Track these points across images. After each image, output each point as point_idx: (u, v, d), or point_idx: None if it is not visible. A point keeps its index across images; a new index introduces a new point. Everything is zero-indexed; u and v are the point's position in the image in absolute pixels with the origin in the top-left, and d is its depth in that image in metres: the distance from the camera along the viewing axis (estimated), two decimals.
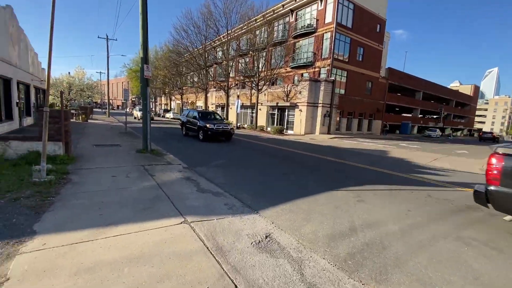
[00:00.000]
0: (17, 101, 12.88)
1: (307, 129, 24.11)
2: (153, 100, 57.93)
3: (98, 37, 58.08)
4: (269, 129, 26.34)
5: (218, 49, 33.43)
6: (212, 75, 34.88)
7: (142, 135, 9.11)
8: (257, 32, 27.89)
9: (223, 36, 28.75)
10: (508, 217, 4.56)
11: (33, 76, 16.18)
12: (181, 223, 3.58)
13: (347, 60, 26.85)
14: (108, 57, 32.02)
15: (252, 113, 29.75)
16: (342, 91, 27.08)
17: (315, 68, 26.39)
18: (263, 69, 25.79)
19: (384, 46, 32.32)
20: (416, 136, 39.40)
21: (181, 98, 46.45)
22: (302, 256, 3.01)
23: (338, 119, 26.85)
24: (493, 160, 3.89)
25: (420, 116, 47.34)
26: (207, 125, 13.49)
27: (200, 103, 41.64)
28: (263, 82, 25.43)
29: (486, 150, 16.41)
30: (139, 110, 30.03)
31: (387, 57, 39.53)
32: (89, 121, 22.93)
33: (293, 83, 27.00)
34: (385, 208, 4.85)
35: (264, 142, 16.11)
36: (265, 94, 27.40)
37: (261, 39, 27.06)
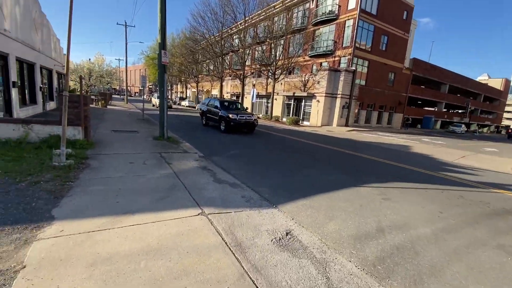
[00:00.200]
0: (41, 85, 13.24)
1: (324, 120, 23.44)
2: (170, 88, 58.48)
3: (117, 24, 58.52)
4: (284, 119, 25.88)
5: (234, 37, 32.83)
6: (228, 63, 34.41)
7: (159, 122, 9.08)
8: (276, 19, 26.99)
9: (240, 23, 28.09)
10: None
11: (55, 61, 16.56)
12: (198, 214, 3.45)
13: (369, 49, 25.54)
14: (126, 44, 32.32)
15: (267, 102, 29.28)
16: (363, 82, 25.94)
17: (335, 57, 25.33)
18: (280, 58, 25.07)
19: (409, 35, 30.42)
20: (438, 131, 37.48)
21: (197, 86, 46.53)
22: (326, 258, 2.79)
23: (356, 111, 25.88)
24: None
25: (444, 110, 44.87)
26: (230, 115, 12.55)
27: (215, 92, 41.55)
28: (280, 71, 24.78)
29: None
30: (157, 98, 30.15)
31: (412, 47, 37.31)
32: (108, 107, 23.45)
33: (311, 72, 26.14)
34: (413, 208, 4.51)
35: (280, 133, 15.79)
36: (281, 84, 26.78)
37: (280, 26, 26.20)
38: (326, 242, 3.14)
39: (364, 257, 2.90)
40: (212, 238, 2.88)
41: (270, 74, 25.48)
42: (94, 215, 3.14)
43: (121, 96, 54.61)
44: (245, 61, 28.67)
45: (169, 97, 55.24)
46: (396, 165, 8.38)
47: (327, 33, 26.32)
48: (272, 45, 25.58)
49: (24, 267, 2.15)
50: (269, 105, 27.01)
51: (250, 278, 2.30)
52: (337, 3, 24.93)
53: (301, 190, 4.98)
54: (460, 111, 49.08)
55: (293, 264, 2.59)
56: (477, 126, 52.38)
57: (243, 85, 28.70)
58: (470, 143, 21.71)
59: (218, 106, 13.79)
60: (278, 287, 2.24)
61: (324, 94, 22.96)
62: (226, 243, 2.82)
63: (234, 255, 2.61)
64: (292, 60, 25.29)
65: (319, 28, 27.05)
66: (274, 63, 24.49)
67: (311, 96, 24.02)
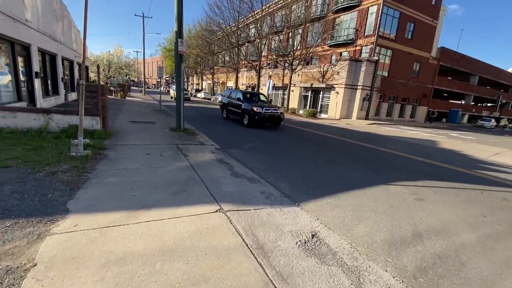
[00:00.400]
0: (62, 76, 13.53)
1: (342, 113, 22.60)
2: (186, 79, 58.89)
3: (135, 15, 59.43)
4: (301, 111, 25.23)
5: (251, 26, 32.16)
6: (244, 54, 33.88)
7: (175, 113, 8.97)
8: (294, 7, 26.04)
9: (257, 12, 27.38)
10: None
11: (76, 52, 16.88)
12: (216, 211, 3.23)
13: (393, 38, 24.07)
14: (144, 35, 32.58)
15: (284, 94, 28.66)
16: (385, 73, 24.63)
17: (356, 46, 24.12)
18: (298, 47, 24.23)
19: (437, 22, 28.34)
20: (465, 126, 35.24)
21: (212, 78, 46.45)
22: (358, 265, 2.49)
23: (377, 103, 24.71)
24: None
25: (472, 103, 42.02)
26: (254, 108, 11.53)
27: (230, 84, 41.29)
28: (297, 61, 24.00)
29: None
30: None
31: (440, 35, 34.83)
32: (126, 98, 23.86)
33: (330, 63, 25.15)
34: (452, 211, 4.06)
35: (297, 125, 15.34)
36: (298, 75, 26.01)
37: (298, 15, 25.25)
38: (356, 247, 2.82)
39: (402, 266, 2.57)
40: (231, 239, 2.64)
41: (287, 64, 24.77)
42: (109, 209, 3.00)
43: (139, 88, 55.70)
44: (262, 52, 28.06)
45: (186, 88, 55.67)
46: (425, 162, 7.79)
47: (348, 21, 25.05)
48: (290, 34, 24.73)
49: (35, 265, 2.02)
50: (285, 96, 26.41)
51: None
52: None
53: (325, 187, 4.65)
54: (489, 104, 45.86)
55: (322, 272, 2.31)
56: (508, 121, 48.82)
57: (259, 76, 28.20)
58: (502, 138, 20.17)
59: (241, 98, 12.77)
60: None
61: (343, 86, 22.04)
62: (247, 244, 2.58)
63: (257, 260, 2.36)
64: (310, 50, 24.37)
65: (339, 16, 25.80)
66: (292, 53, 23.72)
67: (330, 88, 23.16)
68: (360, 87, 21.98)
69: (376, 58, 22.10)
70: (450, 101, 41.99)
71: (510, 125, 48.15)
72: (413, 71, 27.25)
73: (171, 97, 31.48)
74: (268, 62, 32.87)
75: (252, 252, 2.46)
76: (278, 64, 29.92)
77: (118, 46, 32.52)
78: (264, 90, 28.24)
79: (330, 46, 26.50)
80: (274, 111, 12.09)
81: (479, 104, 46.00)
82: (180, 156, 5.60)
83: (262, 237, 2.77)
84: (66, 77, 15.00)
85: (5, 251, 2.14)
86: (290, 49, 23.98)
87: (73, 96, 16.66)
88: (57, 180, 3.61)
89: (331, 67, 23.02)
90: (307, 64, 27.05)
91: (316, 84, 23.98)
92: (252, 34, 32.55)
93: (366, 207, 3.88)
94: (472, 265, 2.70)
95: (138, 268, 2.08)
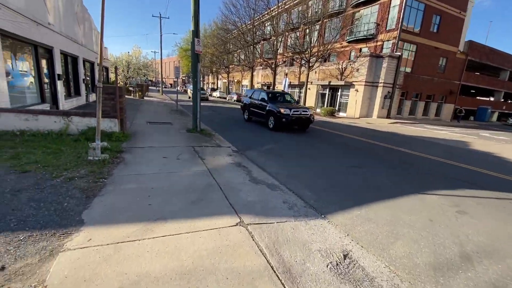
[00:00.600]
0: (84, 77, 13.89)
1: (362, 111, 21.72)
2: (202, 79, 59.40)
3: (152, 16, 60.73)
4: (318, 110, 24.57)
5: (267, 24, 31.75)
6: (259, 52, 33.54)
7: (192, 114, 8.85)
8: (310, 2, 25.31)
9: (273, 9, 26.92)
10: None
11: (96, 54, 17.30)
12: (237, 224, 2.99)
13: (418, 32, 22.77)
14: (161, 36, 33.12)
15: (300, 92, 28.06)
16: (408, 69, 23.40)
17: (376, 42, 23.06)
18: (315, 44, 23.54)
19: (465, 14, 26.50)
20: (495, 124, 32.89)
21: (227, 77, 46.51)
22: None
23: (399, 101, 23.54)
24: None
25: (502, 100, 39.15)
26: (281, 110, 10.47)
27: (245, 82, 41.12)
28: (314, 58, 23.33)
29: None
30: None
31: (468, 28, 32.63)
32: (144, 98, 24.32)
33: (349, 59, 24.24)
34: (502, 227, 3.57)
35: (315, 125, 14.83)
36: (315, 72, 25.32)
37: (315, 10, 24.52)
38: (396, 271, 2.47)
39: None
40: (255, 260, 2.38)
41: (304, 62, 24.15)
42: (125, 220, 2.84)
43: (157, 88, 56.93)
44: (277, 49, 27.60)
45: (203, 88, 56.19)
46: (459, 166, 7.15)
47: (368, 15, 24.00)
48: (307, 31, 24.08)
49: (45, 287, 1.86)
50: (302, 95, 25.81)
51: None
52: None
53: (351, 195, 4.29)
54: None
55: None
56: None
57: (275, 74, 27.78)
58: None
59: (266, 98, 11.81)
60: None
61: (363, 83, 21.15)
62: (272, 267, 2.31)
63: (284, 287, 2.09)
64: (328, 47, 23.60)
65: (359, 10, 24.78)
66: (309, 50, 23.08)
67: (349, 85, 22.33)
68: (381, 84, 21.01)
69: (399, 53, 21.01)
70: (478, 98, 39.41)
71: None
72: (439, 67, 25.73)
73: (189, 97, 31.40)
74: (284, 59, 32.32)
75: (278, 277, 2.19)
76: (294, 62, 29.32)
77: (137, 47, 33.31)
78: (279, 88, 27.79)
79: (349, 42, 25.56)
80: (303, 113, 10.94)
81: (510, 101, 42.82)
82: (197, 160, 5.43)
83: (288, 257, 2.48)
84: (87, 78, 15.41)
85: (16, 270, 2.00)
86: (307, 45, 23.35)
87: (93, 97, 17.11)
88: (73, 186, 3.52)
89: (350, 64, 22.17)
90: (325, 61, 26.28)
91: (334, 82, 23.21)
92: (267, 32, 32.15)
93: (401, 221, 3.49)
94: None
95: None
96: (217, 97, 39.25)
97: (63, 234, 2.49)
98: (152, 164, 4.86)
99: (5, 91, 6.48)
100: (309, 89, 25.82)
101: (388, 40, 22.19)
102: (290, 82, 27.23)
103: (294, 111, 10.63)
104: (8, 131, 5.71)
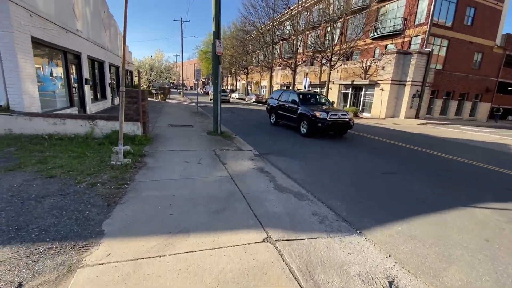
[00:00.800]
0: (109, 81, 14.38)
1: (388, 111, 20.60)
2: (221, 80, 60.11)
3: (174, 20, 62.59)
4: None
5: (286, 23, 31.32)
6: (279, 52, 33.16)
7: (212, 116, 8.75)
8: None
9: (293, 8, 26.45)
10: None
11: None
12: (264, 240, 2.72)
13: (450, 26, 21.21)
14: (182, 39, 33.79)
15: (321, 92, 27.30)
16: (439, 66, 21.86)
17: (404, 37, 21.79)
18: (337, 42, 22.74)
19: (503, 5, 24.28)
20: None
21: (246, 78, 46.56)
22: None
23: (429, 100, 22.07)
24: None
25: None
26: (317, 114, 9.27)
27: (264, 83, 40.90)
28: (336, 57, 22.54)
29: None
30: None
31: (506, 20, 29.88)
32: (166, 100, 24.88)
33: (374, 57, 23.15)
34: None
35: None
36: (337, 71, 24.48)
37: (337, 7, 23.71)
38: None
39: None
40: (287, 286, 2.10)
41: (325, 61, 23.42)
42: (145, 232, 2.68)
43: (178, 90, 58.41)
44: (297, 49, 27.07)
45: (225, 89, 56.66)
46: (506, 173, 6.37)
47: (394, 10, 22.78)
48: (328, 29, 23.34)
49: None
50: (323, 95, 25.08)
51: None
52: None
53: (388, 207, 3.86)
54: None
55: None
56: None
57: (294, 74, 27.27)
58: None
59: (297, 100, 10.55)
60: None
61: (389, 82, 20.06)
62: None
63: None
64: (351, 44, 22.70)
65: (384, 5, 23.61)
66: (330, 49, 22.35)
67: (374, 84, 21.30)
68: (409, 82, 19.80)
69: (429, 49, 19.67)
70: None
71: None
72: (474, 63, 23.81)
73: (210, 99, 31.79)
74: (304, 59, 31.69)
75: None
76: (314, 61, 28.61)
77: (159, 51, 34.31)
78: (300, 88, 27.22)
79: (373, 39, 24.43)
80: (342, 116, 9.57)
81: None
82: (218, 165, 5.25)
83: (324, 283, 2.17)
84: (113, 82, 15.97)
85: None
86: (329, 44, 22.61)
87: (119, 100, 17.73)
88: (96, 193, 3.45)
89: (375, 62, 21.13)
90: (347, 59, 25.35)
91: (358, 81, 22.27)
92: (287, 31, 31.70)
93: (451, 241, 3.03)
94: None
95: None
96: (236, 98, 39.38)
97: (83, 247, 2.37)
98: (174, 169, 4.74)
99: (36, 96, 6.74)
100: (331, 88, 25.01)
101: (417, 36, 20.89)
102: (311, 82, 26.59)
103: (331, 115, 9.33)
104: (38, 135, 5.90)
